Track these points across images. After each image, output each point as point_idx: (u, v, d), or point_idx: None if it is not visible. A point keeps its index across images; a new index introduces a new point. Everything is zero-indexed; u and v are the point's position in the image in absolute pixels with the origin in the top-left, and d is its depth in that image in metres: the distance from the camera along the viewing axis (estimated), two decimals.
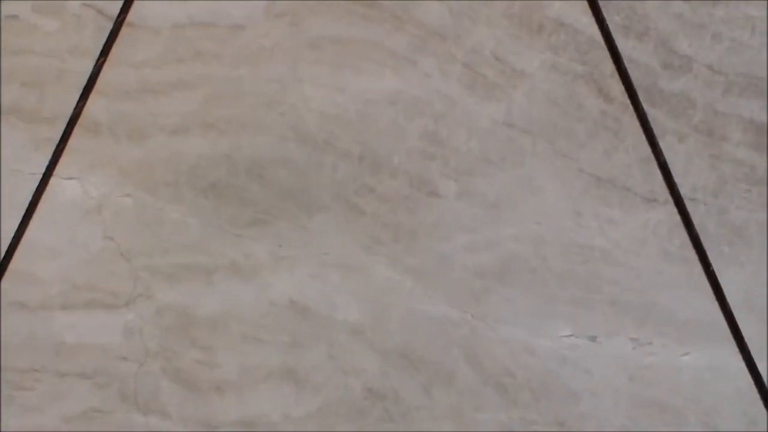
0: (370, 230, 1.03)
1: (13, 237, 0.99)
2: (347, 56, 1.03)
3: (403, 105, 1.04)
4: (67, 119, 1.01)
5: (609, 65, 1.06)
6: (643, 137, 1.04)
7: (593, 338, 1.04)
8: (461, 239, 1.05)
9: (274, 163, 1.02)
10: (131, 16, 1.04)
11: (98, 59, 1.01)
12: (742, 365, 1.03)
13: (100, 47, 1.01)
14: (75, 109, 1.01)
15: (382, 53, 1.03)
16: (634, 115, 1.05)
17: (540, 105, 1.05)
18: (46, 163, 1.00)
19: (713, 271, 1.03)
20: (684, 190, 1.04)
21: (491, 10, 1.05)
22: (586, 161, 1.05)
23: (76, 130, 1.01)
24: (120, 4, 1.01)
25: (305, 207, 1.03)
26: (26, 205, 1.00)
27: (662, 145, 1.04)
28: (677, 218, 1.03)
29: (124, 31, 1.04)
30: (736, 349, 1.03)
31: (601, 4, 1.02)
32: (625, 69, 1.04)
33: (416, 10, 1.04)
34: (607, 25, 1.04)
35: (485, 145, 1.05)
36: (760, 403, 1.03)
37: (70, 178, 1.01)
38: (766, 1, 1.01)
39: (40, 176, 1.00)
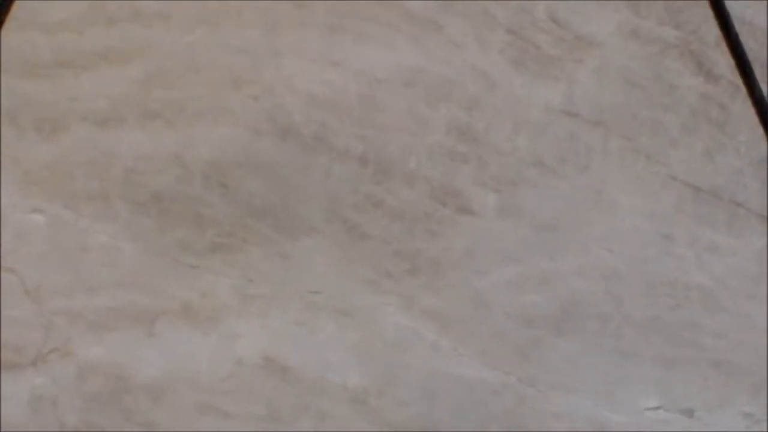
0: (377, 260, 0.96)
1: None
2: (345, 18, 0.95)
3: (423, 87, 0.96)
4: None
5: (713, 30, 1.00)
6: (761, 132, 1.00)
7: (689, 412, 0.99)
8: (503, 273, 0.97)
9: (242, 167, 0.94)
10: None
11: None
12: None
13: None
14: None
15: (394, 14, 0.96)
16: (748, 101, 1.00)
17: (614, 87, 0.99)
18: None
19: None
20: None
21: None
22: (680, 165, 1.00)
23: None
24: None
25: (286, 227, 0.94)
26: None
27: None
28: None
29: None
30: None
31: None
32: (737, 35, 0.99)
33: None
34: None
35: (537, 143, 0.98)
36: None
37: None
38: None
39: None
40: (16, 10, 0.90)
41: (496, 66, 0.96)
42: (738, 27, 1.00)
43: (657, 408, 0.99)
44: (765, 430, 1.01)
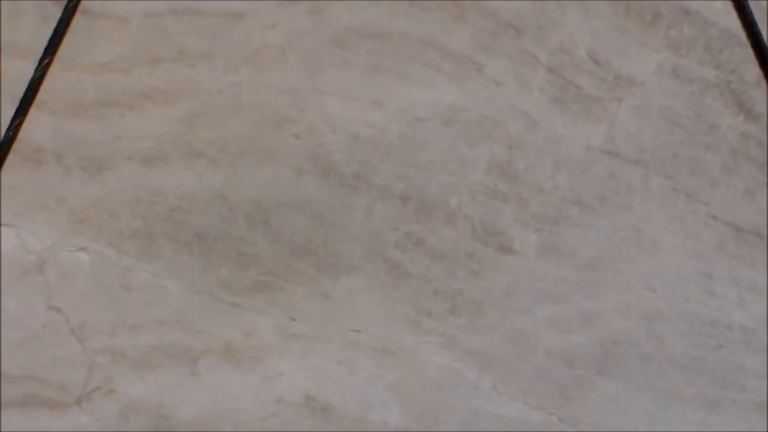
0: (418, 299, 0.95)
1: None
2: (387, 58, 0.95)
3: (463, 125, 0.96)
4: None
5: (753, 69, 0.99)
6: None
7: None
8: (545, 312, 0.96)
9: (284, 206, 0.94)
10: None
11: (41, 60, 0.91)
12: None
13: (44, 43, 0.91)
14: (8, 130, 0.90)
15: (435, 53, 0.95)
16: None
17: (655, 126, 0.98)
18: None
19: None
20: None
21: None
22: (720, 204, 0.99)
23: (10, 160, 0.90)
24: None
25: (327, 266, 0.94)
26: None
27: None
28: None
29: (79, 20, 0.91)
30: None
31: None
32: None
33: None
34: (750, 12, 0.98)
35: (578, 182, 0.97)
36: None
37: (1, 225, 0.91)
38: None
39: None
40: (62, 51, 0.91)
41: (536, 105, 0.95)
42: None
43: None
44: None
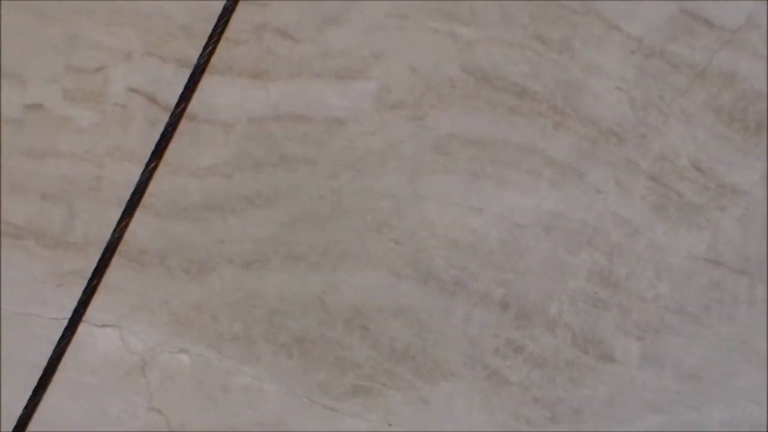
0: (517, 406, 0.93)
1: (25, 409, 0.89)
2: (487, 164, 0.95)
3: (564, 232, 0.95)
4: (103, 246, 0.91)
5: None
6: None
7: None
8: (646, 423, 0.94)
9: (383, 311, 0.94)
10: (194, 105, 0.93)
11: (148, 164, 0.92)
12: None
13: (151, 148, 0.92)
14: (114, 232, 0.91)
15: (535, 160, 0.95)
16: None
17: (759, 235, 0.96)
18: (73, 305, 0.91)
19: None
20: None
21: (689, 101, 0.96)
22: None
23: (115, 261, 0.91)
24: (179, 89, 0.92)
25: (426, 372, 0.93)
26: (43, 365, 0.90)
27: None
28: None
29: (185, 126, 0.92)
30: None
31: None
32: None
33: (584, 101, 0.96)
34: None
35: (681, 291, 0.95)
36: None
37: (105, 326, 0.92)
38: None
39: (65, 323, 0.91)
40: (168, 155, 0.92)
41: (638, 212, 0.95)
42: None
43: None
44: None
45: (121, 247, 0.91)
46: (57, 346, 0.90)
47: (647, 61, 0.94)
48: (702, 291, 0.95)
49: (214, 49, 0.91)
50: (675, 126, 0.95)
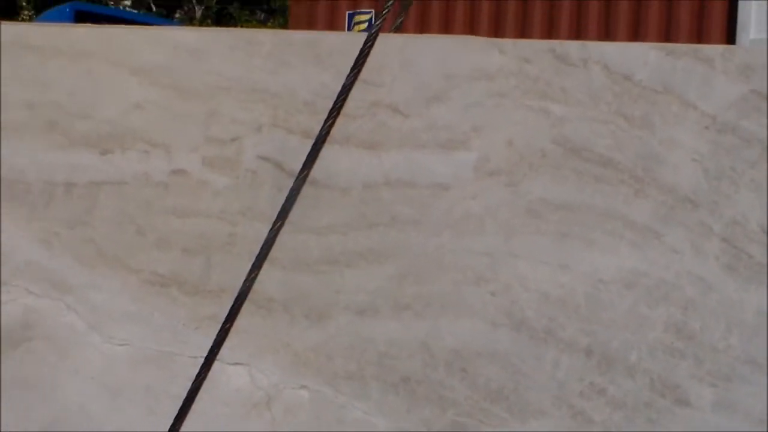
0: None
1: None
2: (574, 226, 1.00)
3: (643, 288, 1.00)
4: (235, 293, 0.96)
5: None
6: None
7: None
8: None
9: (480, 355, 0.99)
10: (316, 172, 0.98)
11: (275, 223, 0.97)
12: None
13: (278, 209, 0.97)
14: (245, 281, 0.96)
15: (618, 223, 1.00)
16: None
17: None
18: (209, 345, 0.95)
19: None
20: None
21: (759, 172, 1.01)
22: None
23: (246, 307, 0.96)
24: (302, 158, 0.97)
25: (518, 411, 0.99)
26: (182, 396, 0.95)
27: None
28: None
29: (307, 190, 0.98)
30: None
31: None
32: None
33: (662, 171, 1.01)
34: None
35: (751, 344, 0.99)
36: None
37: (237, 364, 0.98)
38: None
39: (202, 361, 0.95)
40: (292, 215, 0.98)
41: (711, 271, 0.99)
42: None
43: None
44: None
45: (250, 296, 0.97)
46: (195, 381, 0.96)
47: (720, 136, 0.99)
48: None
49: (333, 122, 0.97)
50: (745, 194, 1.00)
